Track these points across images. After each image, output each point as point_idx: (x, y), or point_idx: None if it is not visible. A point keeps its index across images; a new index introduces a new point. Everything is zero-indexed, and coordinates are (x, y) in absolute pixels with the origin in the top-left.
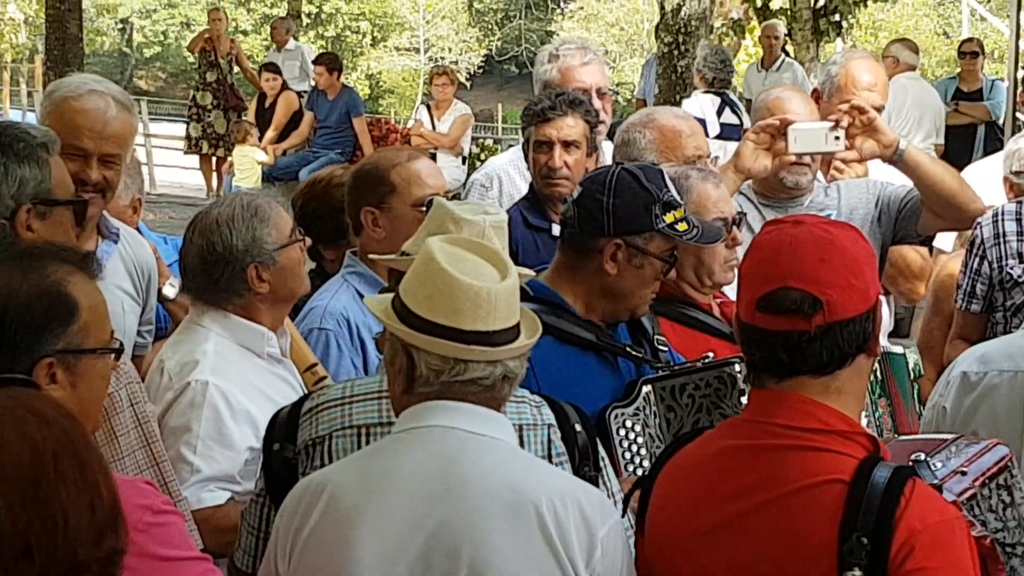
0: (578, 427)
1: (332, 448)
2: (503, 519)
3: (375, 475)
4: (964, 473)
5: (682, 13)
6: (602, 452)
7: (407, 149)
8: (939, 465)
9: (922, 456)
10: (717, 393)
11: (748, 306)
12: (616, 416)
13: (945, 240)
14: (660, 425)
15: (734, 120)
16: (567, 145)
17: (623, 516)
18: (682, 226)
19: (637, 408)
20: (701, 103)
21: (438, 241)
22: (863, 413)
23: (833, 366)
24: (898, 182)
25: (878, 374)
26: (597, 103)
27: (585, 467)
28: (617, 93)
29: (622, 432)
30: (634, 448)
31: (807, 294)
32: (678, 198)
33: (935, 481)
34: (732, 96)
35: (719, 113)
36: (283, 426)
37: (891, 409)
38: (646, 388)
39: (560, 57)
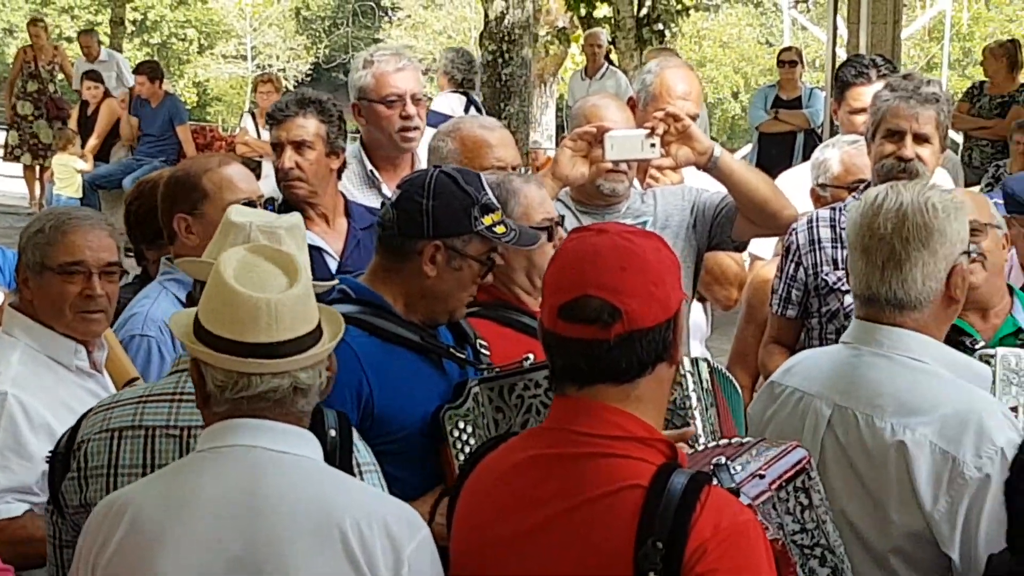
0: (332, 432)
1: (87, 451)
2: (307, 540)
3: (177, 497)
4: (762, 476)
5: (506, 21)
6: (364, 458)
7: (219, 155)
8: (739, 469)
9: (722, 460)
10: (547, 394)
11: (550, 313)
12: (449, 416)
13: (764, 246)
14: (488, 426)
15: None
16: (298, 146)
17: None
18: (500, 228)
19: (468, 409)
20: (450, 102)
21: (240, 251)
22: (699, 416)
23: (632, 374)
24: (713, 189)
25: (708, 385)
26: (412, 108)
27: None
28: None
29: (455, 433)
30: (467, 449)
31: (606, 303)
32: (495, 201)
33: (733, 485)
34: (475, 96)
35: (466, 111)
36: (66, 435)
37: (718, 419)
38: (475, 389)
39: (375, 63)
